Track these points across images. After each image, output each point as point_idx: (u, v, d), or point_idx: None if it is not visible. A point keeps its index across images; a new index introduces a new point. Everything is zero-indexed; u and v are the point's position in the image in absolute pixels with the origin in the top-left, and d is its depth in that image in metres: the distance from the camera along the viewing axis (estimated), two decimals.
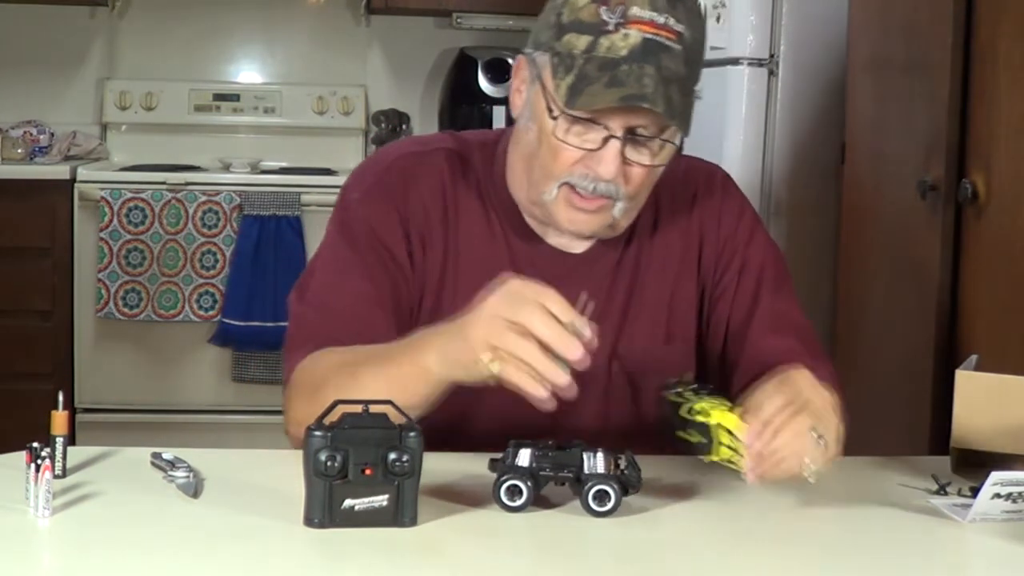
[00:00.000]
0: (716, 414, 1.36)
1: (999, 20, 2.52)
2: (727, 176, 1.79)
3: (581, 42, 1.51)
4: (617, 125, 1.52)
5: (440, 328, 1.42)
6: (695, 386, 1.43)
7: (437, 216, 1.66)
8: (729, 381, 1.67)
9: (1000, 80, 2.51)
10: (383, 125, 4.71)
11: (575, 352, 1.31)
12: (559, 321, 1.32)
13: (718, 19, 3.36)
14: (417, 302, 1.65)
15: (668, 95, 1.49)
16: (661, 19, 1.51)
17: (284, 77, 4.88)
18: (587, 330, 1.33)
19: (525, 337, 1.31)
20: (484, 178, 1.68)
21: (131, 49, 4.81)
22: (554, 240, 1.67)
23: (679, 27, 1.52)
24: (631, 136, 1.53)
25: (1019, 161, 2.44)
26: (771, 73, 3.25)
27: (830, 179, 3.28)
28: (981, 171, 2.56)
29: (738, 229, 1.73)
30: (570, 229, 1.61)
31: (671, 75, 1.50)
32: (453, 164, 1.69)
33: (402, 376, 1.43)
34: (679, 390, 1.39)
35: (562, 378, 1.30)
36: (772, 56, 3.25)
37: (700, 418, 1.38)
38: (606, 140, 1.52)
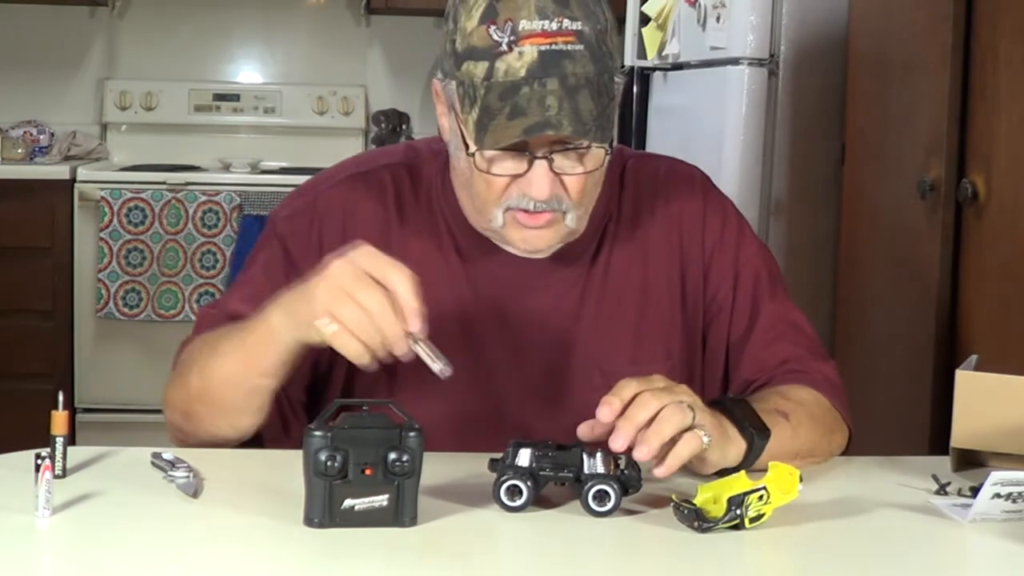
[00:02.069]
0: (737, 484, 1.33)
1: (999, 20, 2.52)
2: (707, 178, 1.72)
3: (479, 69, 1.44)
4: (538, 145, 1.47)
5: (292, 288, 1.43)
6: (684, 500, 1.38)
7: (379, 241, 1.57)
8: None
9: (1000, 80, 2.51)
10: (383, 125, 4.71)
11: (398, 346, 1.34)
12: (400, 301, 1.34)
13: (718, 19, 3.36)
14: None
15: (576, 108, 1.42)
16: (553, 25, 1.43)
17: (284, 77, 4.88)
18: (415, 323, 1.34)
19: (362, 311, 1.33)
20: (436, 189, 1.63)
21: (131, 49, 4.81)
22: (513, 248, 1.60)
23: (575, 25, 1.43)
24: (558, 150, 1.48)
25: (1019, 161, 2.44)
26: (771, 73, 3.25)
27: (830, 179, 3.28)
28: (981, 171, 2.56)
29: (724, 239, 1.67)
30: (527, 248, 1.56)
31: (578, 81, 1.43)
32: (400, 181, 1.64)
33: (253, 339, 1.46)
34: (676, 503, 1.36)
35: (392, 351, 1.34)
36: (772, 56, 3.25)
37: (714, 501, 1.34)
38: (531, 162, 1.48)
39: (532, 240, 1.54)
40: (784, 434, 1.49)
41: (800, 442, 1.52)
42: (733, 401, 1.48)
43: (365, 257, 1.37)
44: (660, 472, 1.35)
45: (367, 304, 1.34)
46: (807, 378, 1.61)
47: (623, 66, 1.54)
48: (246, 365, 1.47)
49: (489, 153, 1.48)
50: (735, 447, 1.42)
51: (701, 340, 1.68)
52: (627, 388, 1.36)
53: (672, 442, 1.35)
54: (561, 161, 1.48)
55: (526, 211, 1.51)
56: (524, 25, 1.43)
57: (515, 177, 1.49)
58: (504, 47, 1.43)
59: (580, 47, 1.44)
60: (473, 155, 1.48)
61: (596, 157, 1.50)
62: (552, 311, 1.63)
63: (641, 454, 1.33)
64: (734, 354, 1.66)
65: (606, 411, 1.35)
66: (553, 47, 1.43)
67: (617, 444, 1.33)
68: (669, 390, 1.38)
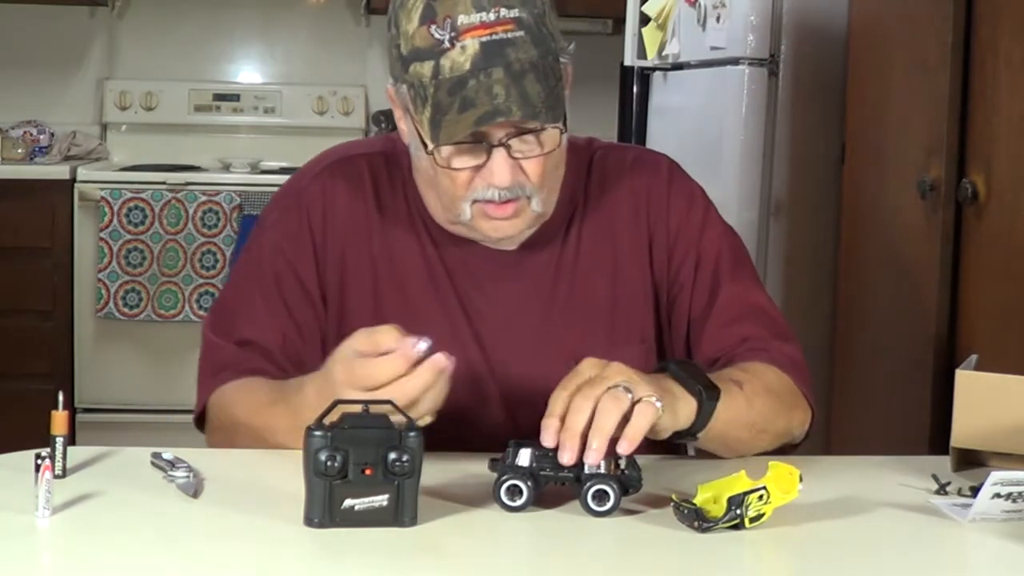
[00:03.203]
0: (737, 484, 1.32)
1: (999, 20, 2.52)
2: (673, 164, 1.75)
3: (426, 69, 1.48)
4: (494, 134, 1.50)
5: (319, 387, 1.42)
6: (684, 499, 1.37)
7: (359, 229, 1.65)
8: None
9: (1000, 80, 2.51)
10: (383, 125, 4.71)
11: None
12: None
13: (718, 19, 3.35)
14: (336, 321, 1.64)
15: (523, 92, 1.46)
16: (491, 16, 1.46)
17: (284, 77, 4.88)
18: (421, 344, 1.34)
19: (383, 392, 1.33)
20: (411, 181, 1.67)
21: (131, 49, 4.81)
22: (485, 239, 1.63)
23: (512, 13, 1.47)
24: (513, 135, 1.51)
25: (1019, 161, 2.44)
26: (771, 73, 3.25)
27: (830, 179, 3.27)
28: (981, 171, 2.56)
29: (689, 219, 1.69)
30: (498, 236, 1.59)
31: (523, 67, 1.46)
32: (377, 170, 1.68)
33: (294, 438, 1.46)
34: (676, 503, 1.36)
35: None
36: (772, 56, 3.25)
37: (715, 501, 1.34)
38: (489, 151, 1.51)
39: (503, 228, 1.58)
40: (738, 402, 1.49)
41: (756, 412, 1.52)
42: (678, 363, 1.48)
43: (356, 343, 1.37)
44: (623, 449, 1.34)
45: (381, 380, 1.34)
46: (767, 356, 1.62)
47: (569, 46, 1.57)
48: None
49: (447, 149, 1.51)
50: (685, 406, 1.43)
51: (668, 321, 1.70)
52: (559, 401, 1.37)
53: (625, 420, 1.35)
54: (519, 146, 1.52)
55: (492, 202, 1.54)
56: (462, 20, 1.47)
57: (477, 169, 1.52)
58: (447, 44, 1.47)
59: (520, 33, 1.47)
60: (432, 153, 1.51)
61: (552, 137, 1.53)
62: (528, 296, 1.66)
63: (591, 459, 1.33)
64: (694, 331, 1.68)
65: (548, 436, 1.35)
66: (494, 37, 1.46)
67: (565, 459, 1.34)
68: (599, 379, 1.37)
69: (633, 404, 1.35)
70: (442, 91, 1.47)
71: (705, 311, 1.67)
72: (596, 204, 1.69)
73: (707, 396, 1.44)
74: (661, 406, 1.37)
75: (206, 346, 1.66)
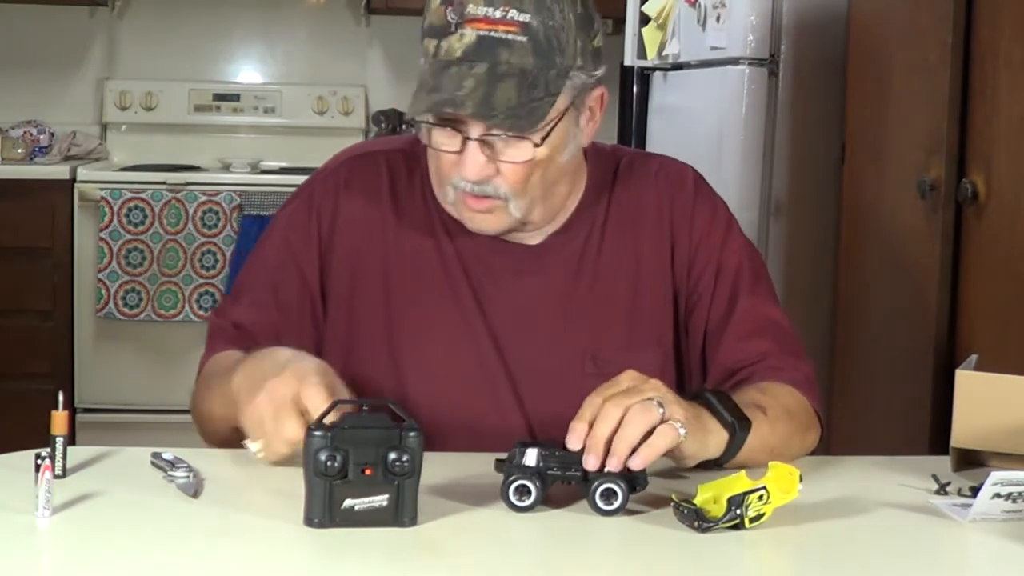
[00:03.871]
0: (737, 484, 1.32)
1: (999, 20, 2.52)
2: (699, 176, 1.76)
3: (431, 46, 1.53)
4: (473, 127, 1.51)
5: (259, 368, 1.45)
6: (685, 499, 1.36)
7: (372, 225, 1.66)
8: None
9: (1000, 80, 2.51)
10: (383, 125, 4.71)
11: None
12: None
13: (718, 19, 3.35)
14: (346, 316, 1.66)
15: (489, 94, 1.47)
16: (498, 13, 1.49)
17: (284, 77, 4.88)
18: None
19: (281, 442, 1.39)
20: (428, 177, 1.68)
21: (131, 49, 4.81)
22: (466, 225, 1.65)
23: (522, 17, 1.49)
24: (493, 135, 1.52)
25: (1019, 161, 2.44)
26: (771, 73, 3.25)
27: (830, 179, 3.27)
28: (981, 171, 2.56)
29: (712, 231, 1.70)
30: (475, 227, 1.61)
31: (509, 70, 1.48)
32: (395, 166, 1.69)
33: (229, 398, 1.49)
34: (676, 503, 1.35)
35: None
36: (772, 56, 3.25)
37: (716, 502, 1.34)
38: (464, 142, 1.52)
39: (477, 221, 1.59)
40: (763, 428, 1.49)
41: (777, 437, 1.53)
42: (713, 393, 1.49)
43: (290, 384, 1.39)
44: (634, 464, 1.34)
45: (286, 435, 1.38)
46: (786, 375, 1.63)
47: (596, 69, 1.58)
48: (223, 416, 1.52)
49: (431, 128, 1.54)
50: (715, 438, 1.43)
51: (685, 329, 1.70)
52: (590, 407, 1.37)
53: (647, 436, 1.35)
54: (503, 148, 1.53)
55: (472, 194, 1.56)
56: (471, 9, 1.50)
57: (455, 158, 1.54)
58: (452, 28, 1.51)
59: (523, 39, 1.49)
60: (412, 125, 1.54)
61: (522, 149, 1.53)
62: (545, 292, 1.66)
63: (612, 465, 1.34)
64: (711, 342, 1.68)
65: (574, 439, 1.35)
66: (492, 34, 1.49)
67: (590, 464, 1.34)
68: (635, 390, 1.38)
69: (661, 420, 1.36)
70: (432, 69, 1.51)
71: (722, 322, 1.67)
72: (620, 207, 1.69)
73: (739, 428, 1.44)
74: (685, 433, 1.37)
75: (209, 327, 1.71)
